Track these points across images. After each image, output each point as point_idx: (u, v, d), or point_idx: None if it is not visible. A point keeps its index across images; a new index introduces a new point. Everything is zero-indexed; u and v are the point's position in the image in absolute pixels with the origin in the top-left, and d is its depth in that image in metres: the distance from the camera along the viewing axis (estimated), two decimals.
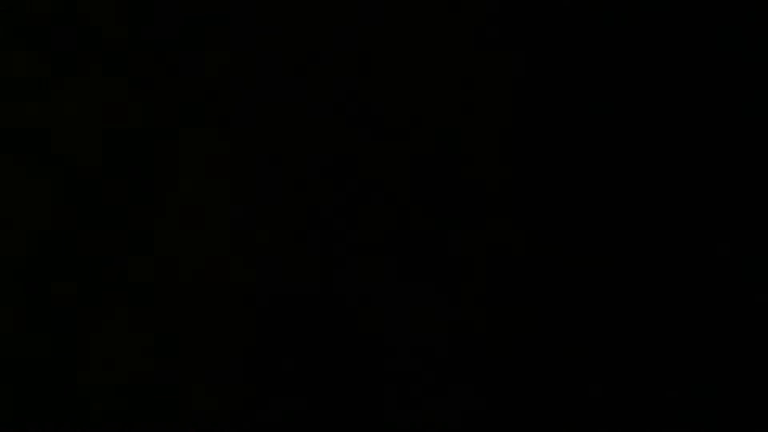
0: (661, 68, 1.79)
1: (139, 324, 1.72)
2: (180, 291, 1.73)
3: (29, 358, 1.71)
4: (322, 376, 1.73)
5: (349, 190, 1.76)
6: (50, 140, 1.74)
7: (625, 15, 1.78)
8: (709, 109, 1.78)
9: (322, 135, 1.77)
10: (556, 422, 1.74)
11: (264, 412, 1.73)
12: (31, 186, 1.74)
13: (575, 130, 1.78)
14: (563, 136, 1.78)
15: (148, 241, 1.73)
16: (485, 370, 1.74)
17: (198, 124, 1.76)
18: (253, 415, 1.72)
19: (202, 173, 1.75)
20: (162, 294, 1.73)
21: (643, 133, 1.78)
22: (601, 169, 1.77)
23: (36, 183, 1.74)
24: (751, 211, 1.77)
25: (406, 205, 1.76)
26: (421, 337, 1.74)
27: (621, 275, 1.76)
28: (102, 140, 1.75)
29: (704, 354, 1.75)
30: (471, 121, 1.77)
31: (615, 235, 1.76)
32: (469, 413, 1.73)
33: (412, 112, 1.77)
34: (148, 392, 1.72)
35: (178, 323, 1.73)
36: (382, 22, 1.78)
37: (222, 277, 1.74)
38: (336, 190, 1.76)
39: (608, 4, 1.78)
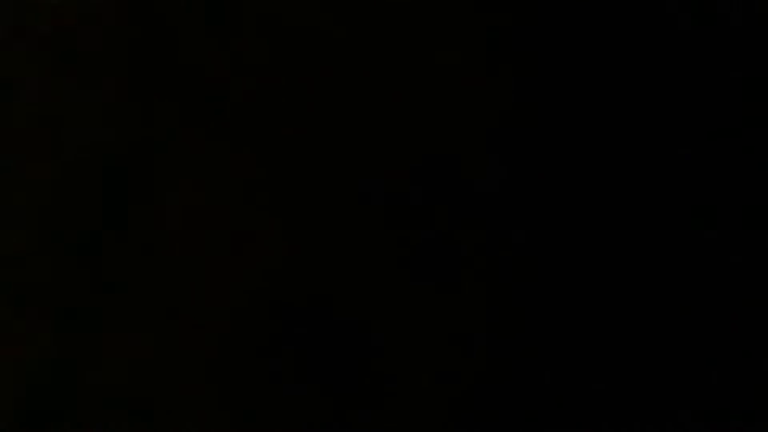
0: (659, 67, 1.79)
1: (138, 325, 1.72)
2: (180, 291, 1.73)
3: (31, 359, 1.71)
4: (322, 377, 1.73)
5: (349, 189, 1.76)
6: (49, 140, 1.74)
7: (624, 17, 1.79)
8: (707, 110, 1.79)
9: (321, 135, 1.77)
10: (556, 422, 1.74)
11: (264, 411, 1.73)
12: (30, 185, 1.74)
13: (575, 129, 1.78)
14: (563, 136, 1.78)
15: (147, 242, 1.73)
16: (485, 371, 1.74)
17: (198, 124, 1.76)
18: (253, 415, 1.72)
19: (201, 173, 1.75)
20: (161, 294, 1.73)
21: (643, 132, 1.78)
22: (602, 169, 1.78)
23: (35, 182, 1.74)
24: (750, 211, 1.77)
25: (407, 205, 1.76)
26: (421, 338, 1.74)
27: (622, 275, 1.76)
28: (101, 140, 1.75)
29: (704, 354, 1.75)
30: (471, 120, 1.77)
31: (616, 234, 1.77)
32: (469, 413, 1.74)
33: (411, 111, 1.77)
34: (148, 392, 1.72)
35: (177, 323, 1.73)
36: (383, 23, 1.78)
37: (222, 277, 1.74)
38: (336, 189, 1.76)
39: (605, 8, 1.78)
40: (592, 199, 1.77)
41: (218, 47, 1.77)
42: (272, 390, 1.73)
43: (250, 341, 1.73)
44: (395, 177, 1.76)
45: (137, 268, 1.73)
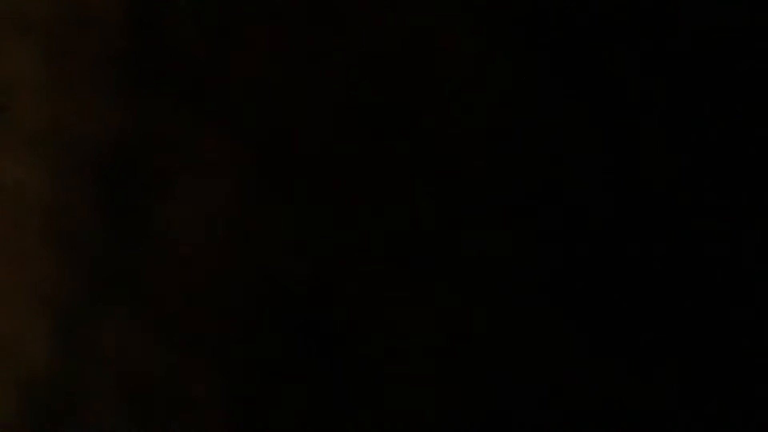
0: (665, 63, 1.78)
1: (138, 324, 1.73)
2: (180, 291, 1.73)
3: (31, 359, 1.72)
4: (322, 377, 1.74)
5: (351, 189, 1.76)
6: (49, 139, 1.74)
7: (626, 18, 1.78)
8: (706, 110, 1.78)
9: (321, 132, 1.77)
10: (557, 423, 1.74)
11: (265, 411, 1.73)
12: (29, 185, 1.74)
13: (576, 130, 1.78)
14: (565, 135, 1.78)
15: (148, 241, 1.74)
16: (485, 371, 1.75)
17: (199, 123, 1.76)
18: (253, 415, 1.73)
19: (202, 172, 1.75)
20: (162, 293, 1.73)
21: (651, 128, 1.78)
22: (603, 168, 1.77)
23: (34, 182, 1.74)
24: (750, 212, 1.77)
25: (407, 205, 1.76)
26: (421, 337, 1.74)
27: (624, 275, 1.76)
28: (101, 140, 1.75)
29: (703, 354, 1.75)
30: (473, 119, 1.77)
31: (617, 234, 1.77)
32: (469, 413, 1.74)
33: (413, 111, 1.77)
34: (148, 392, 1.72)
35: (178, 323, 1.73)
36: (383, 22, 1.78)
37: (222, 276, 1.74)
38: (337, 189, 1.76)
39: (608, 8, 1.78)
40: (594, 197, 1.77)
41: (219, 44, 1.77)
42: (272, 390, 1.73)
43: (250, 341, 1.73)
44: (396, 176, 1.76)
45: (138, 268, 1.74)
